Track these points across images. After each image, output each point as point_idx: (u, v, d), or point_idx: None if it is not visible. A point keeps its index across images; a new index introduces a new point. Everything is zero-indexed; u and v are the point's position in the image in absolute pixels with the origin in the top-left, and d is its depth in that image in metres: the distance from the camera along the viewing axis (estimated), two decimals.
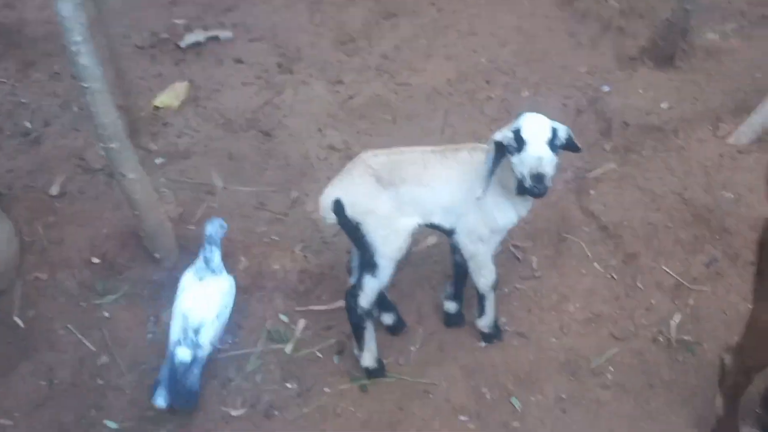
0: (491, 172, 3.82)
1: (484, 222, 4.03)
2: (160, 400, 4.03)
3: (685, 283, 4.67)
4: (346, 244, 4.46)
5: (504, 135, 3.74)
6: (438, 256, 4.89)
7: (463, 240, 4.12)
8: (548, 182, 3.66)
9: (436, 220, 4.08)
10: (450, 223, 4.09)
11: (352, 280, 4.18)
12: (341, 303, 4.45)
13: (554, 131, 3.69)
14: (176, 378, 4.05)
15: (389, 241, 4.01)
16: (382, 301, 4.40)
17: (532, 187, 3.66)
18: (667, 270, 4.74)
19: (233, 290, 4.35)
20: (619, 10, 6.98)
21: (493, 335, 4.46)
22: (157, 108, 6.20)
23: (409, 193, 3.99)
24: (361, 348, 4.26)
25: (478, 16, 7.16)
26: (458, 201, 4.02)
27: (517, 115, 3.82)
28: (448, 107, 6.12)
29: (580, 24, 6.90)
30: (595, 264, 4.81)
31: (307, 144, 5.88)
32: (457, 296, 4.50)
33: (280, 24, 7.30)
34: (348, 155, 5.77)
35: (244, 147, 5.85)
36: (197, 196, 5.36)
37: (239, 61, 6.81)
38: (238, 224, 5.09)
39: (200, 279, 4.27)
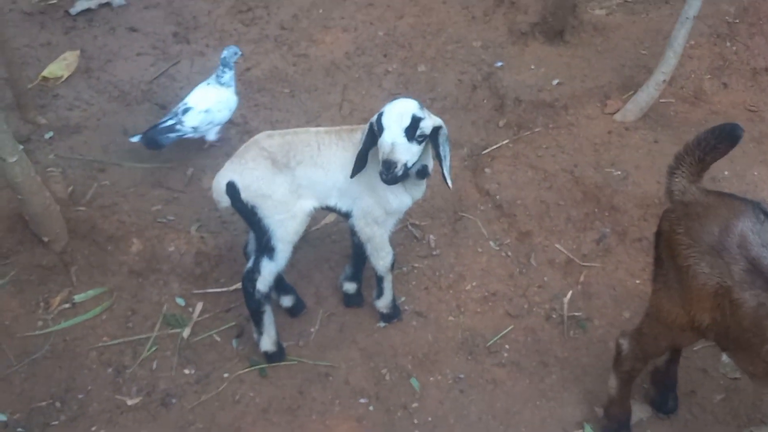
0: (363, 151, 3.64)
1: (378, 204, 3.83)
2: (134, 138, 4.93)
3: (576, 260, 4.59)
4: (244, 224, 4.18)
5: (374, 119, 3.57)
6: (336, 235, 4.66)
7: (359, 223, 3.90)
8: (399, 170, 3.47)
9: (332, 202, 3.86)
10: (346, 205, 3.88)
11: (249, 264, 3.91)
12: (239, 285, 4.18)
13: (415, 119, 3.49)
14: (155, 129, 4.91)
15: (286, 224, 3.77)
16: (280, 284, 4.16)
17: (381, 173, 3.48)
18: (559, 247, 4.65)
19: (230, 104, 5.12)
20: None
21: (392, 315, 4.28)
22: (45, 79, 5.70)
23: (304, 176, 3.76)
24: (260, 332, 4.01)
25: None
26: (353, 184, 3.79)
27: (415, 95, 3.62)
28: (346, 81, 5.83)
29: None
30: (491, 242, 4.67)
31: None
32: (356, 277, 4.30)
33: None
34: (246, 130, 5.47)
35: (140, 121, 5.43)
36: (89, 173, 4.95)
37: (133, 29, 6.32)
38: (132, 204, 4.75)
39: (207, 85, 5.09)
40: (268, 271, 3.86)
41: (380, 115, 3.53)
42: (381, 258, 4.03)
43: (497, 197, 4.88)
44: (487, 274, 4.54)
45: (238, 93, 5.19)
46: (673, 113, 5.42)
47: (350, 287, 4.32)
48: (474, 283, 4.49)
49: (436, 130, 3.63)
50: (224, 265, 4.51)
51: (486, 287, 4.48)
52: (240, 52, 5.16)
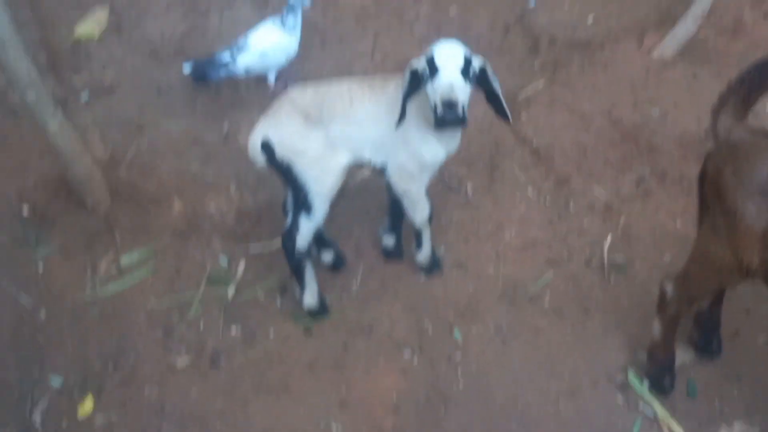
0: (405, 99, 3.55)
1: (412, 158, 3.77)
2: (187, 67, 5.02)
3: (615, 203, 4.52)
4: (282, 181, 4.18)
5: (420, 62, 3.49)
6: (374, 188, 4.62)
7: (394, 177, 3.86)
8: (460, 111, 3.41)
9: (367, 156, 3.81)
10: (381, 159, 3.84)
11: (287, 221, 3.92)
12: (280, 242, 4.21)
13: (467, 60, 3.44)
14: (207, 61, 5.01)
15: (322, 179, 3.75)
16: (320, 239, 4.17)
17: (443, 115, 3.40)
18: (598, 191, 4.58)
19: (288, 50, 5.10)
20: None
21: (433, 267, 4.28)
22: (78, 39, 5.67)
23: (338, 130, 3.72)
24: (302, 289, 4.04)
25: None
26: (387, 138, 3.74)
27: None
28: (377, 29, 5.72)
29: None
30: (529, 189, 4.62)
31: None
32: (394, 230, 4.29)
33: None
34: (279, 78, 5.41)
35: (173, 78, 5.41)
36: (126, 134, 4.95)
37: None
38: (171, 164, 4.77)
39: (272, 24, 5.07)
40: (307, 228, 3.86)
41: (430, 59, 3.45)
42: (418, 212, 4.01)
43: (534, 142, 4.81)
44: (526, 221, 4.50)
45: (300, 40, 5.15)
46: (712, 47, 5.25)
47: (389, 240, 4.31)
48: (513, 232, 4.46)
49: (483, 69, 3.56)
50: (265, 222, 4.53)
51: (525, 235, 4.45)
52: (307, 2, 5.10)
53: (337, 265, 4.33)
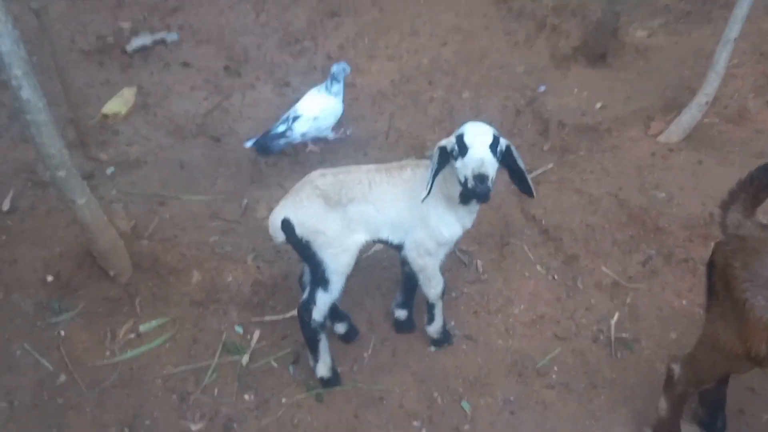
0: (434, 174, 3.75)
1: (430, 236, 3.97)
2: (249, 143, 5.52)
3: (622, 282, 4.67)
4: (298, 255, 4.36)
5: (448, 141, 3.70)
6: (387, 261, 4.81)
7: (412, 254, 4.05)
8: (490, 184, 3.60)
9: (384, 236, 4.01)
10: (398, 238, 4.03)
11: (304, 295, 4.09)
12: (295, 313, 4.36)
13: (496, 138, 3.65)
14: (267, 135, 5.51)
15: (339, 257, 3.93)
16: (334, 312, 4.32)
17: (475, 187, 3.57)
18: (606, 270, 4.73)
19: (336, 111, 5.61)
20: (551, 8, 6.92)
21: (443, 340, 4.42)
22: (105, 116, 5.98)
23: (356, 212, 3.92)
24: (315, 359, 4.18)
25: (418, 16, 7.06)
26: (405, 218, 3.96)
27: (461, 122, 3.77)
28: (392, 110, 6.02)
29: (516, 23, 6.84)
30: (538, 266, 4.78)
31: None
32: (407, 304, 4.44)
33: (226, 25, 7.11)
34: (296, 160, 5.67)
35: (195, 154, 5.70)
36: (149, 207, 5.19)
37: (187, 64, 6.61)
38: (191, 236, 4.96)
39: (318, 92, 5.61)
40: (323, 302, 4.02)
41: (460, 136, 3.63)
42: (432, 287, 4.18)
43: (543, 222, 4.99)
44: (534, 297, 4.65)
45: (339, 94, 5.64)
46: (717, 133, 5.48)
47: (401, 314, 4.46)
48: (522, 307, 4.61)
49: (509, 147, 3.77)
50: (280, 293, 4.69)
51: (534, 310, 4.59)
52: (348, 69, 5.63)
53: (350, 336, 4.47)
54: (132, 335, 4.47)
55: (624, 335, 4.44)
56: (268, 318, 4.59)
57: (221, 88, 6.37)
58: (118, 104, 6.11)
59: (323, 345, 4.13)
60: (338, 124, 5.79)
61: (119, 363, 4.35)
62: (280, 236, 3.95)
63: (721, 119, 5.57)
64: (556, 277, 4.74)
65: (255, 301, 4.66)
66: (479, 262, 4.83)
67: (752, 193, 3.32)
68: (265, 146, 5.53)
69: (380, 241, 4.06)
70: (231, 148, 5.75)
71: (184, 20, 7.11)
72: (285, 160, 5.62)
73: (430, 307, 4.29)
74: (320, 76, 6.40)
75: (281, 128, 5.51)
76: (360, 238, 3.96)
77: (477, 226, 4.91)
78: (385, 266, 4.83)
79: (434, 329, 4.37)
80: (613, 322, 4.49)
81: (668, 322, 4.47)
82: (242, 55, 6.71)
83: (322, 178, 3.94)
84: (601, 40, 6.25)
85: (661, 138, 5.44)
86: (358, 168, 4.03)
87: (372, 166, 4.03)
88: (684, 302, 4.54)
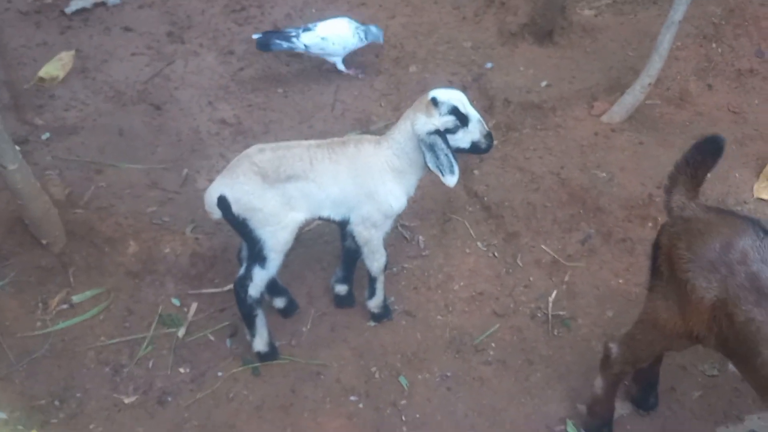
0: (454, 157, 3.84)
1: (378, 210, 3.99)
2: (256, 35, 5.80)
3: (561, 260, 4.73)
4: None
5: (440, 122, 3.78)
6: (329, 236, 4.79)
7: (358, 228, 4.05)
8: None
9: (325, 213, 4.00)
10: (340, 215, 4.02)
11: (241, 270, 4.06)
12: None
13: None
14: (275, 32, 5.82)
15: (277, 235, 3.91)
16: (273, 286, 4.29)
17: (488, 144, 3.94)
18: (545, 248, 4.79)
19: (346, 42, 5.74)
20: None
21: (383, 315, 4.43)
22: (42, 79, 5.80)
23: (296, 189, 3.88)
24: (252, 334, 4.16)
25: None
26: (350, 194, 3.95)
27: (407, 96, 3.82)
28: (339, 82, 5.95)
29: None
30: (479, 243, 4.82)
31: (198, 118, 5.64)
32: (347, 279, 4.44)
33: None
34: (239, 130, 5.59)
35: (135, 121, 5.57)
36: (86, 175, 5.07)
37: (128, 29, 6.43)
38: (128, 206, 4.87)
39: (346, 20, 5.77)
40: (260, 278, 4.00)
41: (454, 110, 3.78)
42: (376, 260, 4.19)
43: (485, 199, 5.02)
44: (474, 274, 4.68)
45: (363, 38, 5.78)
46: (659, 115, 5.56)
47: (341, 289, 4.46)
48: (462, 283, 4.64)
49: None
50: (219, 265, 4.64)
51: (473, 287, 4.63)
52: (381, 39, 5.91)
53: (289, 310, 4.45)
54: (65, 306, 4.39)
55: (561, 313, 4.51)
56: (205, 291, 4.54)
57: (163, 55, 6.22)
58: (56, 68, 5.92)
59: (260, 320, 4.11)
60: (357, 63, 5.97)
61: (51, 334, 4.28)
62: (216, 213, 3.91)
63: (663, 101, 5.64)
64: (496, 254, 4.78)
65: (193, 273, 4.60)
66: (421, 238, 4.84)
67: (691, 174, 3.37)
68: (267, 42, 5.73)
69: (321, 219, 4.04)
70: (172, 116, 5.63)
71: None
72: (226, 129, 5.54)
73: (372, 281, 4.30)
74: None
75: (291, 31, 5.74)
76: (299, 215, 3.94)
77: (419, 202, 4.94)
78: (326, 240, 4.82)
79: (375, 304, 4.39)
80: (551, 299, 4.55)
81: (605, 301, 4.55)
82: (186, 21, 6.56)
83: (260, 154, 3.89)
84: (548, 18, 6.25)
85: (604, 118, 5.49)
86: (299, 143, 3.99)
87: (313, 142, 4.00)
88: (621, 281, 4.63)
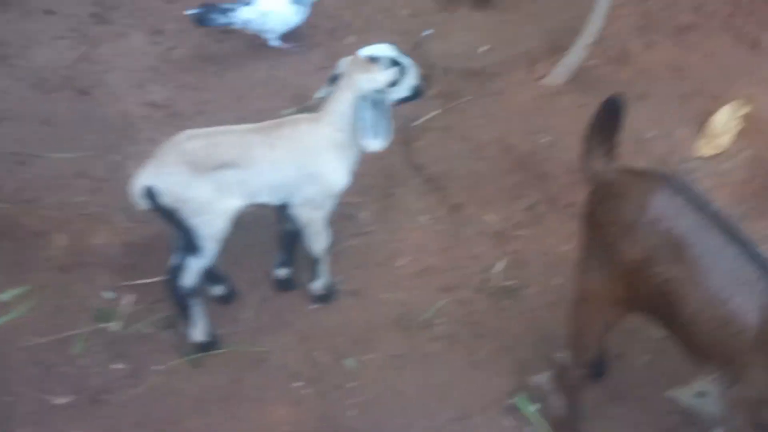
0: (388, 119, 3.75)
1: (321, 190, 3.86)
2: (189, 11, 5.55)
3: (507, 229, 4.63)
4: None
5: (384, 77, 3.74)
6: (269, 219, 4.61)
7: (301, 210, 3.91)
8: None
9: (263, 199, 3.85)
10: (279, 199, 3.88)
11: (172, 260, 3.87)
12: None
13: None
14: (211, 6, 5.52)
15: (211, 224, 3.74)
16: (211, 274, 4.12)
17: (425, 86, 4.06)
18: (491, 218, 4.68)
19: (288, 21, 5.61)
20: None
21: (327, 297, 4.29)
22: None
23: (230, 177, 3.70)
24: (190, 324, 3.99)
25: None
26: (290, 178, 3.80)
27: (353, 57, 3.86)
28: (274, 57, 5.77)
29: None
30: (423, 216, 4.70)
31: (127, 102, 5.43)
32: (288, 263, 4.29)
33: None
34: (171, 112, 5.40)
35: (60, 108, 5.34)
36: (7, 167, 4.83)
37: (50, 12, 6.18)
38: (55, 197, 4.66)
39: None
40: (195, 267, 3.83)
41: (395, 62, 3.78)
42: (319, 241, 4.05)
43: (428, 170, 4.90)
44: (420, 248, 4.56)
45: (303, 17, 5.70)
46: (600, 75, 5.45)
47: (282, 272, 4.31)
48: (407, 259, 4.52)
49: None
50: (153, 254, 4.44)
51: (419, 262, 4.51)
52: None
53: (229, 297, 4.29)
54: None
55: (508, 283, 4.40)
56: (140, 281, 4.35)
57: (89, 37, 5.98)
58: None
59: (197, 310, 3.94)
60: (292, 37, 5.78)
61: None
62: (143, 204, 3.72)
63: (604, 61, 5.54)
64: (441, 226, 4.66)
65: (126, 263, 4.41)
66: (363, 215, 4.70)
67: (600, 139, 3.33)
68: (203, 17, 5.49)
69: (258, 205, 3.89)
70: (100, 102, 5.42)
71: None
72: (158, 112, 5.32)
73: (316, 263, 4.15)
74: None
75: (229, 6, 5.50)
76: (235, 203, 3.77)
77: (360, 178, 4.73)
78: (267, 223, 4.63)
79: (320, 285, 4.25)
80: (497, 270, 4.45)
81: (552, 268, 4.45)
82: (112, 1, 6.32)
83: (190, 141, 3.70)
84: None
85: (546, 81, 5.40)
86: (232, 129, 3.83)
87: (247, 127, 3.84)
88: (568, 248, 4.50)
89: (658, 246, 2.99)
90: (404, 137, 5.11)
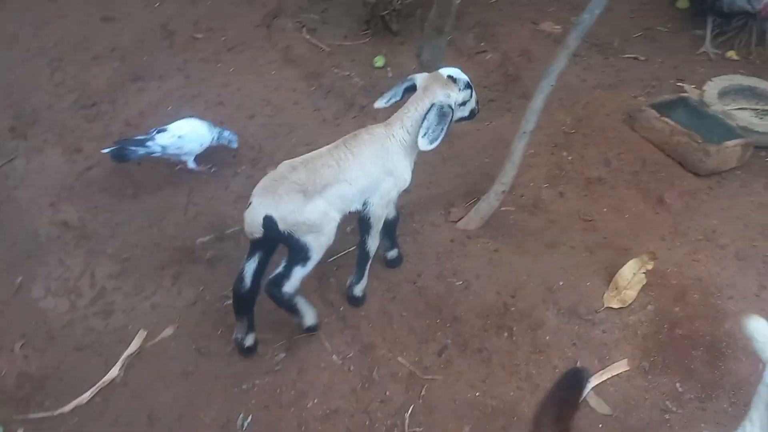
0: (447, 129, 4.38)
1: (395, 184, 4.47)
2: (106, 150, 5.52)
3: (418, 372, 4.60)
4: (75, 340, 4.02)
5: (461, 96, 4.43)
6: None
7: (377, 206, 4.44)
8: None
9: (354, 207, 4.38)
10: (361, 203, 4.40)
11: (278, 269, 4.26)
12: (65, 409, 3.99)
13: None
14: (127, 140, 5.60)
15: (320, 239, 4.22)
16: (248, 323, 4.55)
17: (478, 110, 4.77)
18: (402, 360, 4.66)
19: (203, 140, 5.71)
20: (360, 87, 6.96)
21: (363, 299, 4.89)
22: None
23: (333, 194, 4.19)
24: (300, 317, 4.50)
25: (226, 86, 6.88)
26: (375, 177, 4.35)
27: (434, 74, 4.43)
28: (192, 183, 5.75)
29: (325, 99, 6.80)
30: (334, 356, 4.63)
31: (37, 221, 5.30)
32: (394, 244, 5.13)
33: (16, 82, 6.62)
34: (83, 233, 5.28)
35: None
36: None
37: None
38: None
39: (198, 120, 5.74)
40: (299, 276, 4.27)
41: (466, 82, 4.44)
42: (375, 239, 4.65)
43: (341, 308, 4.87)
44: (329, 389, 4.48)
45: (216, 138, 5.79)
46: (513, 222, 5.61)
47: (393, 253, 5.09)
48: (316, 400, 4.42)
49: None
50: (50, 386, 4.26)
51: (328, 403, 4.42)
52: (235, 144, 5.94)
53: (254, 349, 4.62)
54: None
55: (417, 429, 4.35)
56: (33, 415, 4.13)
57: (4, 151, 5.87)
58: None
59: (301, 303, 4.43)
60: (204, 159, 5.83)
61: None
62: (259, 232, 4.10)
63: (517, 207, 5.71)
64: (352, 367, 4.60)
65: (19, 395, 4.20)
66: (273, 352, 4.62)
67: (556, 416, 2.91)
68: (121, 153, 5.49)
69: (349, 214, 4.41)
70: (8, 219, 5.28)
71: None
72: (69, 233, 5.20)
73: (363, 262, 4.75)
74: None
75: (143, 136, 5.56)
76: (337, 216, 4.28)
77: (273, 313, 4.72)
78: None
79: (360, 288, 4.82)
80: (407, 415, 4.40)
81: (461, 415, 4.42)
82: (31, 115, 6.25)
83: (294, 173, 4.13)
84: None
85: (461, 224, 5.51)
86: (320, 153, 4.30)
87: (330, 146, 4.34)
88: (477, 394, 4.52)
89: None
90: (318, 273, 5.10)
